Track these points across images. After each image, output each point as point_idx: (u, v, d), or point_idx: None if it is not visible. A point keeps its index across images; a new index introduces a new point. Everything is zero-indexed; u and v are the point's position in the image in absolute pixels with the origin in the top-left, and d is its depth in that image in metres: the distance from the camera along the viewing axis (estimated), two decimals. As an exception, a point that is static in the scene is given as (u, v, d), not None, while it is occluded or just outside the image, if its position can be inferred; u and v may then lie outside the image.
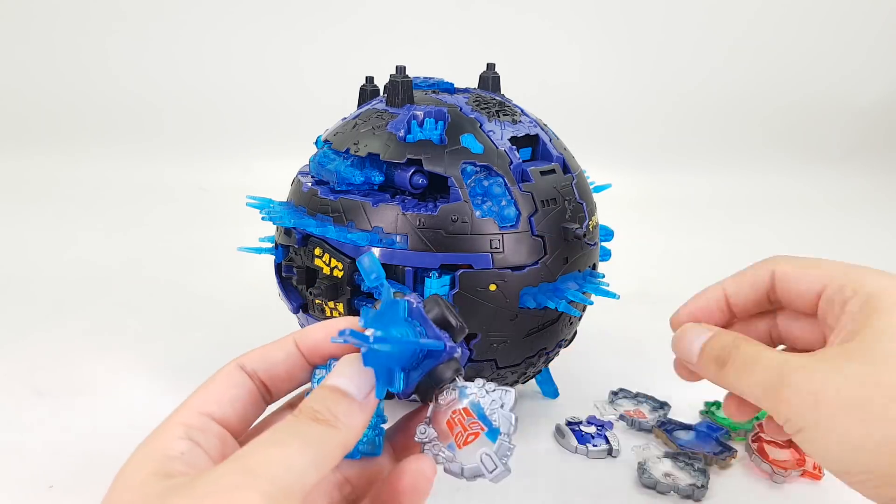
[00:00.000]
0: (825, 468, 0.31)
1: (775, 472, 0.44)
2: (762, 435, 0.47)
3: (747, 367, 0.32)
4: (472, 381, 0.29)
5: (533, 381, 0.55)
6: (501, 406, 0.28)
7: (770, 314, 0.37)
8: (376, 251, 0.42)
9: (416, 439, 0.28)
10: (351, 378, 0.26)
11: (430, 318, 0.29)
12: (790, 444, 0.46)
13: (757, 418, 0.50)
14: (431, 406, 0.29)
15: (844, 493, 0.43)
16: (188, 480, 0.22)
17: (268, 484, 0.22)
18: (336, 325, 0.30)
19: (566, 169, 0.47)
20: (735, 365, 0.32)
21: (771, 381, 0.30)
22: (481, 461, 0.27)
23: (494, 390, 0.28)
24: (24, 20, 1.37)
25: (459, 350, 0.29)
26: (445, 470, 0.28)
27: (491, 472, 0.27)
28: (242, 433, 0.28)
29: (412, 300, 0.29)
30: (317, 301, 0.44)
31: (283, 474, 0.22)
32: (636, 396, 0.54)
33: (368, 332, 0.26)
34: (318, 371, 0.29)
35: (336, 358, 0.29)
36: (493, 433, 0.28)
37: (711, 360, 0.34)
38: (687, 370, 0.36)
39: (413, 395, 0.29)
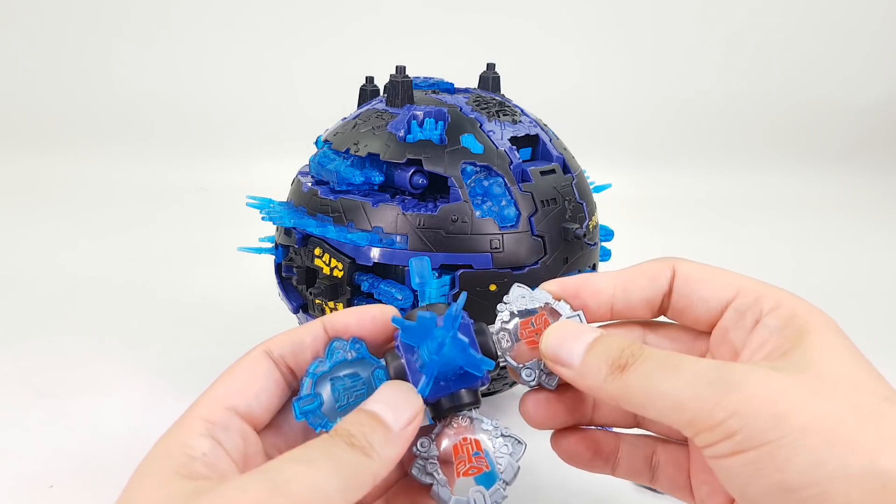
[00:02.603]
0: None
1: None
2: None
3: (666, 369, 0.25)
4: (492, 419, 0.29)
5: (533, 381, 0.55)
6: (510, 454, 0.28)
7: (642, 326, 0.32)
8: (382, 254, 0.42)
9: (413, 451, 0.28)
10: (392, 407, 0.25)
11: (478, 342, 0.29)
12: None
13: None
14: (441, 425, 0.28)
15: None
16: (212, 486, 0.22)
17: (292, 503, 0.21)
18: (368, 311, 0.29)
19: (566, 169, 0.47)
20: (644, 368, 0.25)
21: (710, 384, 0.24)
22: (472, 499, 0.26)
23: (508, 436, 0.28)
24: (27, 21, 1.37)
25: (488, 383, 0.29)
26: (432, 493, 0.27)
27: None
28: (265, 423, 0.28)
29: (465, 316, 0.28)
30: (317, 301, 0.44)
31: (309, 496, 0.22)
32: None
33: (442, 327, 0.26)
34: (335, 343, 0.28)
35: (357, 339, 0.29)
36: (493, 476, 0.27)
37: (603, 361, 0.26)
38: (541, 410, 0.31)
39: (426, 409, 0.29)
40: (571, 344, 0.27)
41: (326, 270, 0.44)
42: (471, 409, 0.28)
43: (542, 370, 0.30)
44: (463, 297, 0.27)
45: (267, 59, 1.40)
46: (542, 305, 0.30)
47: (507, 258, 0.42)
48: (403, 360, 0.28)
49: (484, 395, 0.48)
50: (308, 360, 0.28)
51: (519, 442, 0.28)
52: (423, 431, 0.29)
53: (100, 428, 0.49)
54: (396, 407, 0.25)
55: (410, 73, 0.48)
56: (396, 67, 0.47)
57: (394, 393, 0.26)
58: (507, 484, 0.27)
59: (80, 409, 0.51)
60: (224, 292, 0.75)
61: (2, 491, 0.42)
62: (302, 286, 0.47)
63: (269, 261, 0.53)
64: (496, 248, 0.42)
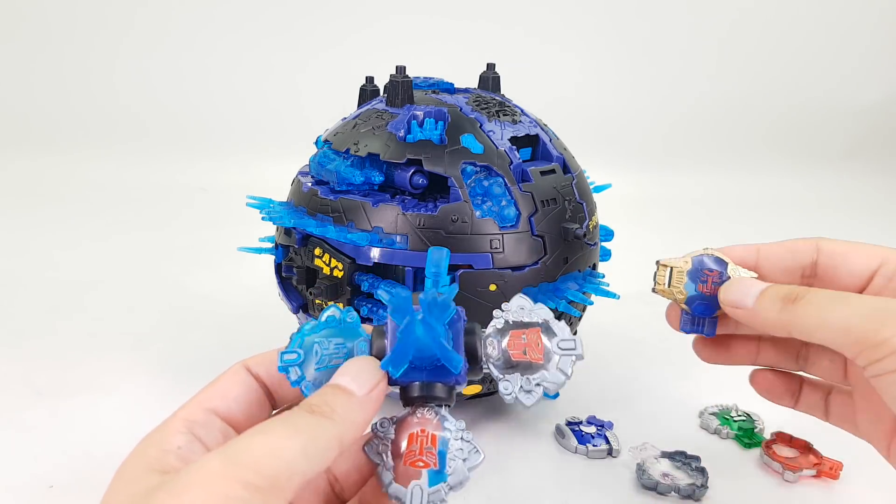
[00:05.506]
0: None
1: (786, 470, 0.44)
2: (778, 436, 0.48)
3: (836, 300, 0.30)
4: (458, 420, 0.28)
5: (533, 381, 0.55)
6: (465, 460, 0.27)
7: None
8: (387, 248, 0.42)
9: (371, 428, 0.27)
10: (354, 376, 0.26)
11: (463, 340, 0.28)
12: (806, 449, 0.46)
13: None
14: (406, 412, 0.28)
15: (837, 495, 0.44)
16: (178, 474, 0.22)
17: (252, 472, 0.21)
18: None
19: (566, 169, 0.47)
20: (816, 299, 0.30)
21: (874, 311, 0.29)
22: (411, 492, 0.26)
23: (469, 441, 0.27)
24: (29, 22, 1.37)
25: (464, 384, 0.28)
26: (376, 473, 0.27)
27: None
28: (246, 428, 0.28)
29: (461, 314, 0.28)
30: (317, 301, 0.44)
31: (268, 462, 0.21)
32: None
33: (418, 307, 0.26)
34: (330, 308, 0.28)
35: (352, 308, 0.29)
36: (439, 476, 0.26)
37: (778, 298, 0.32)
38: (707, 349, 0.37)
39: (395, 392, 0.28)
40: (746, 289, 0.33)
41: (326, 270, 0.44)
42: (441, 406, 0.28)
43: (521, 387, 0.28)
44: (454, 288, 0.27)
45: (267, 59, 1.40)
46: (540, 322, 0.29)
47: (507, 258, 0.42)
48: (387, 340, 0.27)
49: (484, 395, 0.48)
50: (284, 380, 0.28)
51: (477, 451, 0.27)
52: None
53: (100, 428, 0.49)
54: (359, 376, 0.26)
55: (410, 73, 0.48)
56: (396, 67, 0.47)
57: (357, 365, 0.26)
58: (450, 488, 0.26)
59: (81, 409, 0.51)
60: (224, 292, 0.75)
61: (2, 491, 0.42)
62: (302, 286, 0.47)
63: (269, 261, 0.53)
64: (496, 248, 0.42)
